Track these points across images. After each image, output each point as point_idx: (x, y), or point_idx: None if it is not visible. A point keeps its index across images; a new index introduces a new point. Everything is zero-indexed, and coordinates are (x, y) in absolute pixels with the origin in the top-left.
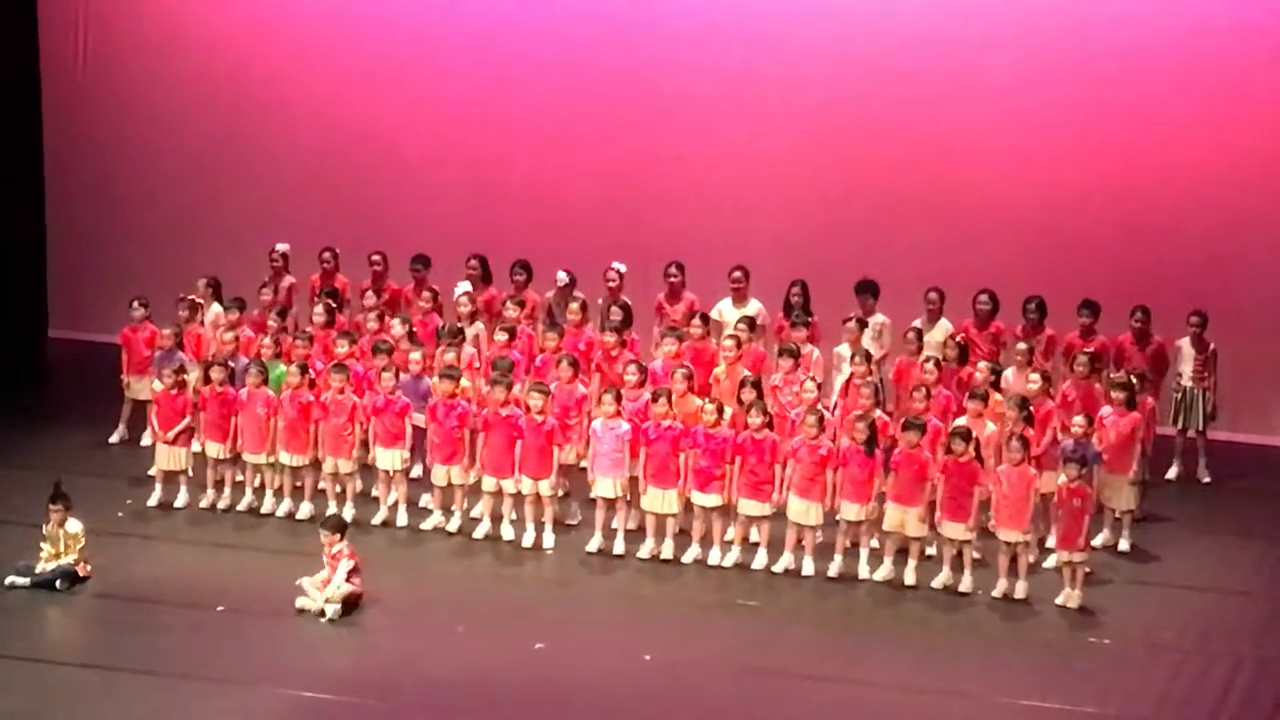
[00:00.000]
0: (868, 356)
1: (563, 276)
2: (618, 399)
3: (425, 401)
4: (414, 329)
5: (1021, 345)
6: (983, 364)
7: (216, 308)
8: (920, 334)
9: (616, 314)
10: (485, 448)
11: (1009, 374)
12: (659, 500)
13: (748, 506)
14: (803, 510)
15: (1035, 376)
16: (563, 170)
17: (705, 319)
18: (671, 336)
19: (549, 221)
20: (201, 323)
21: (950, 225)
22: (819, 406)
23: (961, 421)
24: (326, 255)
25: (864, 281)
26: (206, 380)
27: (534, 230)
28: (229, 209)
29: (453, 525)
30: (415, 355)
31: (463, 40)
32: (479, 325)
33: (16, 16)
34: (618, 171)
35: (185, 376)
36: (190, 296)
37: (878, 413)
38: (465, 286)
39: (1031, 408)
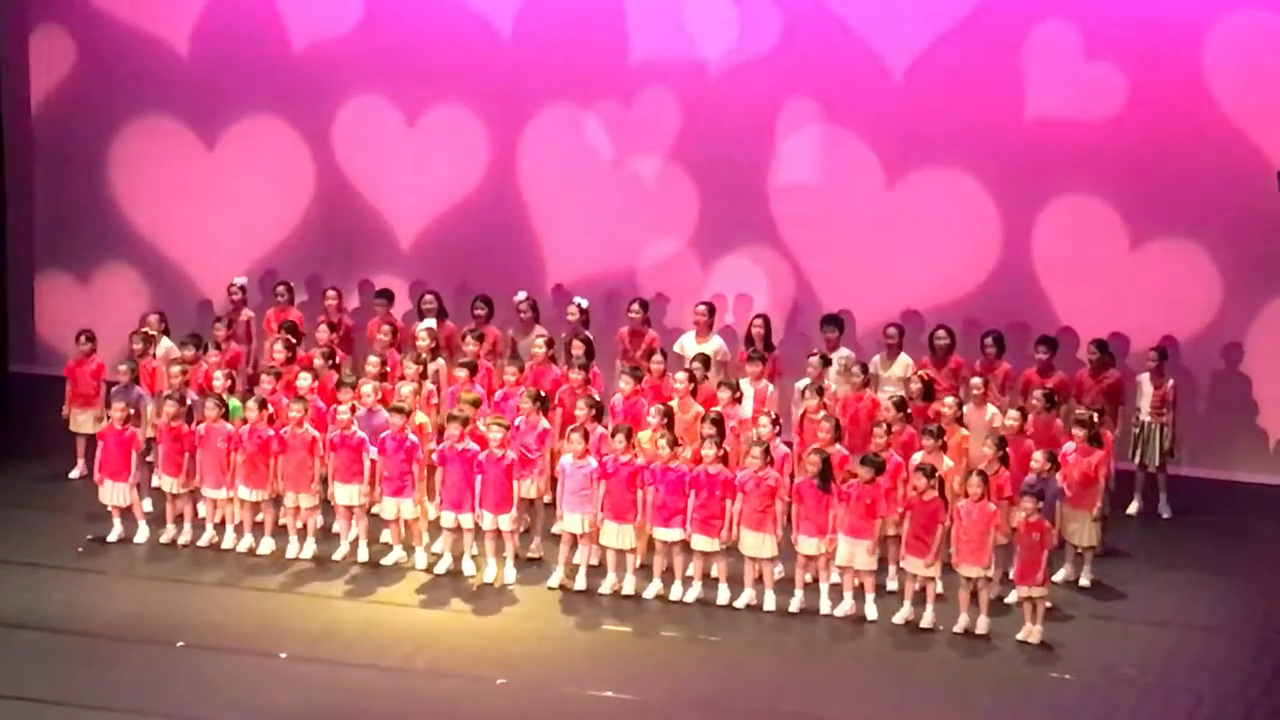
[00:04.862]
0: (820, 392)
1: (522, 295)
2: (586, 437)
3: (378, 436)
4: (387, 365)
5: (976, 380)
6: (949, 399)
7: (167, 342)
8: (866, 368)
9: (578, 348)
10: (442, 483)
11: (967, 410)
12: (615, 535)
13: (699, 542)
14: (756, 543)
15: (1014, 413)
16: (517, 199)
17: (665, 354)
18: (629, 375)
19: (509, 253)
20: (154, 356)
21: (912, 258)
22: (766, 439)
23: (920, 457)
24: (280, 289)
25: (829, 316)
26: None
27: (493, 262)
28: (187, 245)
29: (413, 560)
30: (367, 389)
31: (417, 68)
32: (439, 361)
33: None
34: (580, 202)
35: (132, 411)
36: (144, 329)
37: (837, 447)
38: (429, 324)
39: (1009, 446)
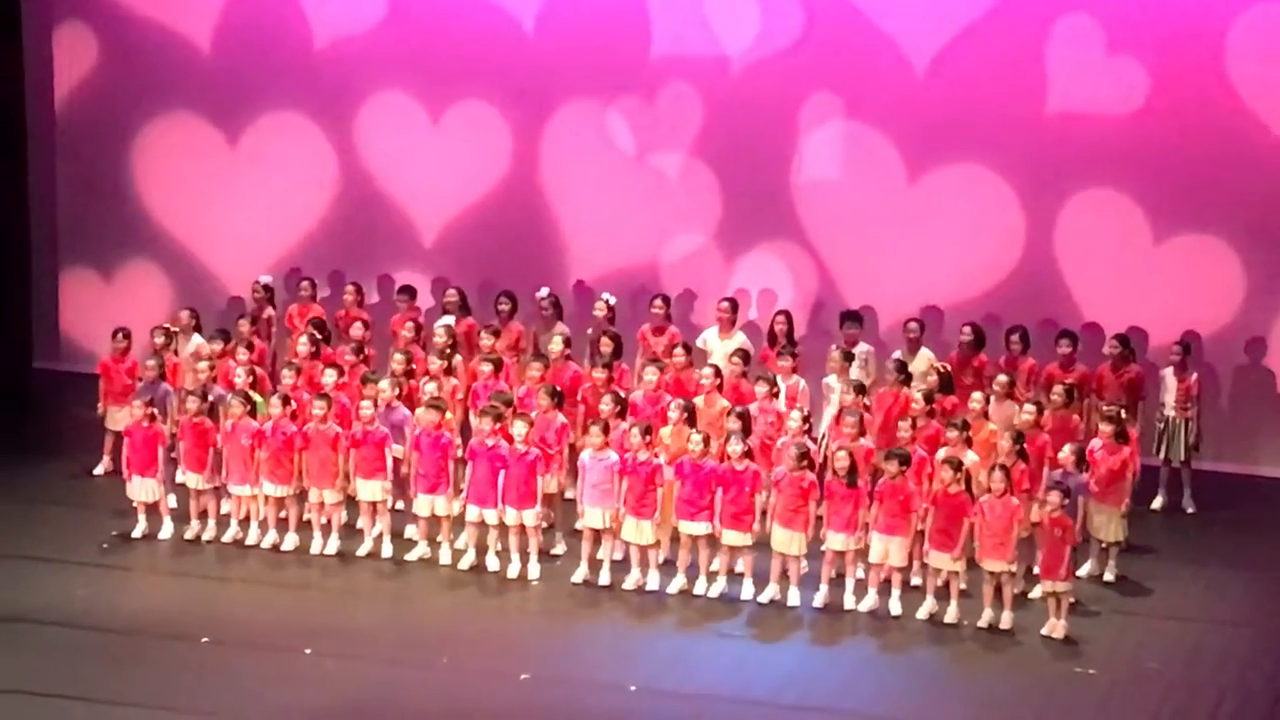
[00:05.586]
0: (861, 389)
1: (544, 291)
2: (605, 430)
3: (400, 432)
4: (413, 361)
5: (1002, 377)
6: (976, 395)
7: (197, 338)
8: (903, 365)
9: (606, 344)
10: (470, 478)
11: (991, 405)
12: (635, 531)
13: (729, 536)
14: (786, 540)
15: (1030, 408)
16: (540, 194)
17: (688, 349)
18: (653, 368)
19: (532, 249)
20: (176, 351)
21: (934, 253)
22: (804, 438)
23: (944, 452)
24: (304, 284)
25: (848, 311)
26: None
27: (516, 258)
28: (210, 241)
29: (438, 555)
30: (383, 384)
31: (440, 64)
32: (457, 358)
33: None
34: (602, 198)
35: (154, 409)
36: (165, 325)
37: (863, 441)
38: (447, 320)
39: (1025, 441)
